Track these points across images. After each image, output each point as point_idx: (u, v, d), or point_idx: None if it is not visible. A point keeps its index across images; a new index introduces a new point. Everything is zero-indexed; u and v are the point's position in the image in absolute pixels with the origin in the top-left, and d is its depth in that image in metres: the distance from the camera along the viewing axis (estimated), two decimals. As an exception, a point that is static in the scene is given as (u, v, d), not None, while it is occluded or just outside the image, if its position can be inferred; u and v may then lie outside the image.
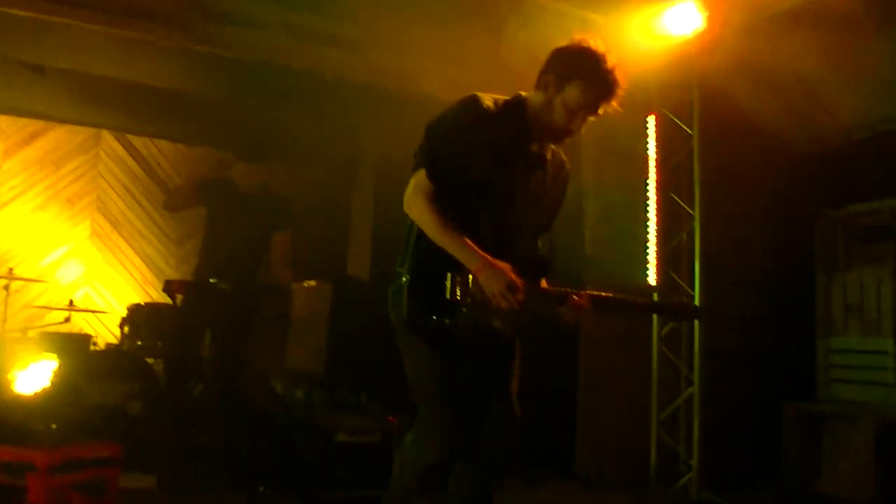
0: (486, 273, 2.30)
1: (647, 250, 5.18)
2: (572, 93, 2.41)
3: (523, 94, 2.55)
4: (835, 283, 5.46)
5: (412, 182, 2.41)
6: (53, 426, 3.48)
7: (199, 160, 7.05)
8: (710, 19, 4.64)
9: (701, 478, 4.95)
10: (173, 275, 6.73)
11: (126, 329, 5.47)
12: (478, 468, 2.54)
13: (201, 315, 4.61)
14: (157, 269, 6.91)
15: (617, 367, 5.61)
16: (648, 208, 5.23)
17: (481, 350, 2.48)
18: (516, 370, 2.63)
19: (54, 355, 4.73)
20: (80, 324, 6.40)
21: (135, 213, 6.86)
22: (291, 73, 4.87)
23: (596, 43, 2.44)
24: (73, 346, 5.25)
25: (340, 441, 4.22)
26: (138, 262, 6.82)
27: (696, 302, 5.10)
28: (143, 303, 5.72)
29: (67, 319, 5.85)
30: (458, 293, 2.34)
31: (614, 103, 2.46)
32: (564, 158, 2.69)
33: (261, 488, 4.11)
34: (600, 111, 2.46)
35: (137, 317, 5.49)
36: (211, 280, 4.45)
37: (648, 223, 5.20)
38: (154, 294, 6.61)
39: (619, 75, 2.42)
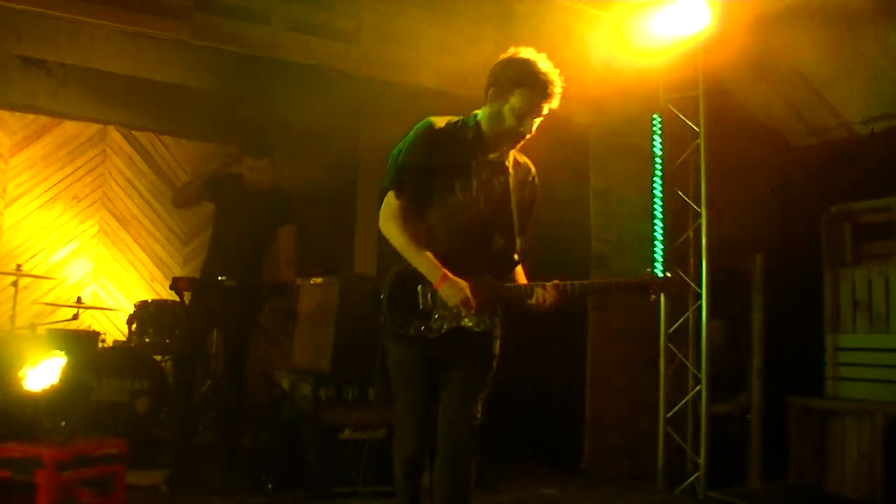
0: (443, 288, 2.64)
1: (655, 247, 5.17)
2: (516, 99, 2.64)
3: (476, 112, 2.78)
4: (842, 279, 5.44)
5: (384, 204, 2.73)
6: (62, 423, 3.49)
7: (204, 156, 7.08)
8: (717, 16, 4.62)
9: (708, 475, 4.95)
10: (180, 272, 6.75)
11: (134, 326, 5.49)
12: (442, 456, 2.77)
13: (208, 312, 4.62)
14: (164, 266, 6.91)
15: (624, 365, 5.61)
16: (655, 205, 5.22)
17: (456, 350, 2.74)
18: (485, 387, 2.82)
19: (62, 352, 4.74)
20: (89, 321, 6.42)
21: (141, 210, 6.87)
22: (294, 67, 4.87)
23: (528, 52, 2.69)
24: (82, 343, 5.26)
25: (346, 437, 4.23)
26: (145, 259, 6.83)
27: (703, 299, 5.10)
28: (150, 300, 5.73)
29: (75, 316, 5.86)
30: (430, 302, 2.70)
31: (555, 102, 2.71)
32: (530, 165, 2.91)
33: (269, 485, 4.13)
34: (544, 111, 2.70)
35: (145, 314, 5.51)
36: (221, 278, 4.46)
37: (655, 220, 5.19)
38: (161, 291, 6.62)
39: (553, 76, 2.67)
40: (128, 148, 6.90)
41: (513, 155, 2.84)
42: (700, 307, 5.15)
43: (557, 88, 2.67)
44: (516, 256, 2.83)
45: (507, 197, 2.77)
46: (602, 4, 4.97)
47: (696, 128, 5.26)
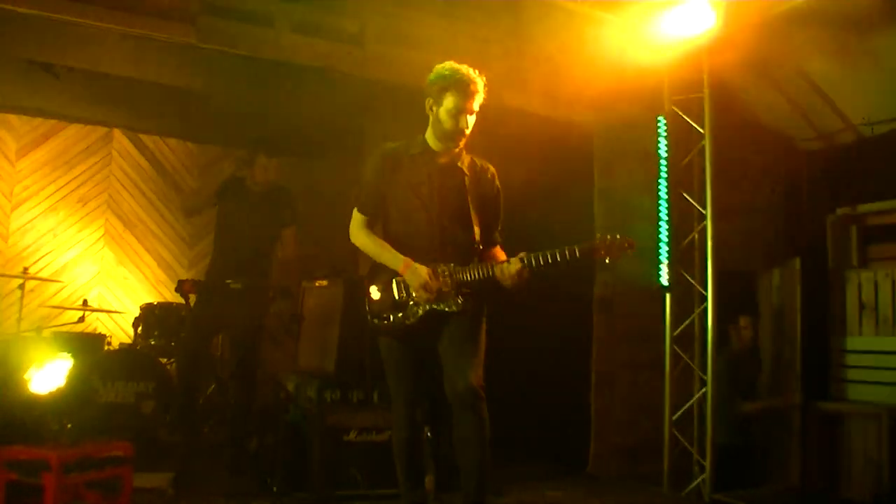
0: (407, 274, 3.10)
1: (660, 250, 5.16)
2: (449, 101, 3.09)
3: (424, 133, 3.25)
4: (848, 281, 5.42)
5: (351, 221, 3.28)
6: (68, 425, 3.50)
7: (210, 158, 7.10)
8: (721, 17, 4.61)
9: (714, 478, 4.93)
10: (186, 275, 6.77)
11: (139, 329, 5.50)
12: (454, 417, 3.09)
13: (214, 315, 4.63)
14: (169, 268, 6.94)
15: (629, 367, 5.60)
16: (660, 208, 5.21)
17: (437, 328, 3.13)
18: (477, 339, 3.15)
19: (69, 355, 4.76)
20: (94, 323, 6.44)
21: (147, 213, 6.89)
22: (298, 69, 4.88)
23: (449, 63, 3.14)
24: (88, 346, 5.29)
25: (351, 439, 4.23)
26: (151, 261, 6.86)
27: (708, 301, 5.09)
28: (155, 302, 5.75)
29: (81, 319, 5.88)
30: (405, 292, 3.14)
31: (480, 97, 3.11)
32: (488, 166, 3.32)
33: (274, 488, 4.13)
34: (475, 107, 3.11)
35: (150, 316, 5.53)
36: (228, 281, 4.48)
37: (660, 222, 5.18)
38: (167, 294, 6.64)
39: (474, 76, 3.09)
40: (133, 151, 6.93)
41: (469, 158, 3.25)
42: (706, 309, 5.13)
43: (479, 86, 3.08)
44: (479, 246, 3.20)
45: (464, 195, 3.16)
46: (607, 7, 4.96)
47: (701, 130, 5.24)
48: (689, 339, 5.30)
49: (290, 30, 4.71)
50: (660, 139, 5.29)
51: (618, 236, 3.07)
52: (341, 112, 6.02)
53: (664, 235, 5.17)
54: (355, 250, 6.29)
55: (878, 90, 5.30)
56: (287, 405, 4.62)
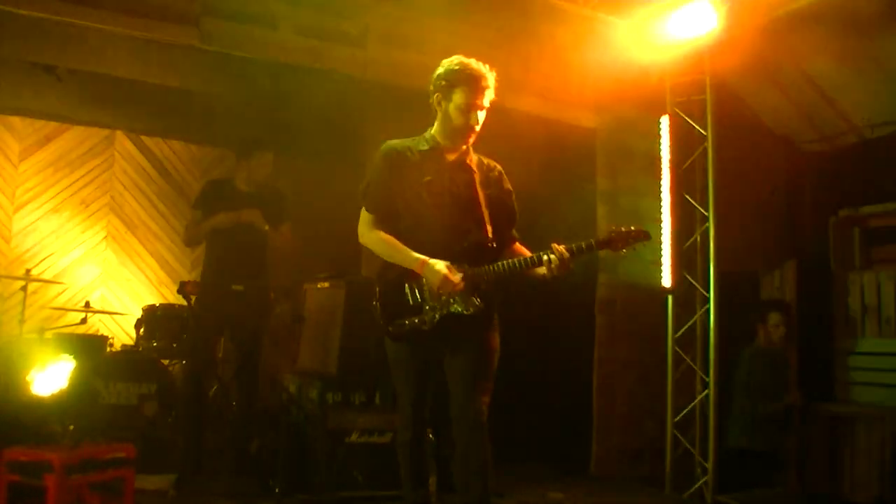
0: (425, 272, 2.92)
1: (662, 252, 5.16)
2: (458, 97, 2.98)
3: (429, 129, 3.14)
4: (851, 283, 5.42)
5: (360, 221, 3.12)
6: (70, 427, 3.50)
7: (212, 160, 7.11)
8: (724, 19, 4.61)
9: (716, 480, 4.93)
10: (188, 276, 6.76)
11: (141, 330, 5.50)
12: (456, 433, 3.01)
13: (216, 317, 4.63)
14: (171, 270, 6.94)
15: (631, 368, 5.60)
16: (662, 209, 5.21)
17: (451, 340, 2.98)
18: (488, 377, 3.02)
19: (71, 356, 4.76)
20: (97, 325, 6.44)
21: (149, 215, 6.89)
22: (301, 71, 4.89)
23: (458, 58, 3.03)
24: (90, 348, 5.28)
25: (353, 441, 4.23)
26: (153, 263, 6.85)
27: (710, 303, 5.08)
28: (158, 304, 5.75)
29: (84, 321, 5.88)
30: (419, 296, 2.98)
31: (491, 93, 3.00)
32: (495, 164, 3.22)
33: (276, 489, 4.12)
34: (485, 103, 3.01)
35: (153, 318, 5.52)
36: (234, 286, 4.49)
37: (662, 224, 5.17)
38: (169, 295, 6.64)
39: (485, 71, 2.98)
40: (136, 153, 6.93)
41: (476, 157, 3.14)
42: (708, 311, 5.13)
43: (490, 81, 2.97)
44: (492, 245, 3.07)
45: (475, 193, 3.04)
46: (609, 9, 4.96)
47: (703, 131, 5.25)
48: (691, 341, 5.29)
49: (292, 32, 4.72)
50: (662, 141, 5.30)
51: (632, 227, 2.94)
52: (343, 114, 6.01)
53: (666, 237, 5.17)
54: (357, 251, 6.30)
55: (880, 92, 5.30)
56: (289, 407, 4.61)
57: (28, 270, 5.81)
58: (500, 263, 2.97)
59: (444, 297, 2.92)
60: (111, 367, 5.03)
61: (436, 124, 3.10)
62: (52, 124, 6.60)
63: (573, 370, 5.59)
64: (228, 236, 4.65)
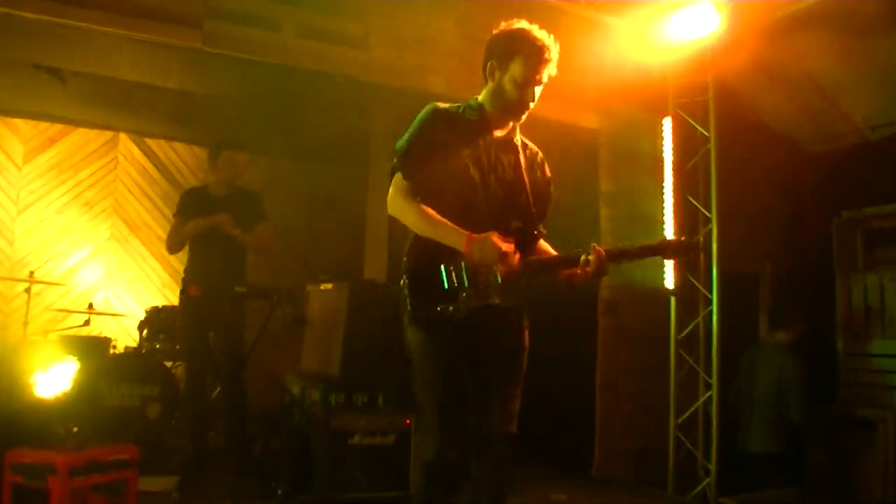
0: (474, 248, 2.47)
1: (664, 253, 5.14)
2: (516, 68, 2.63)
3: (476, 96, 2.78)
4: (854, 284, 5.41)
5: (391, 187, 2.65)
6: (74, 429, 3.51)
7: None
8: (726, 21, 4.61)
9: (719, 481, 4.92)
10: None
11: (145, 332, 5.51)
12: (476, 476, 2.64)
13: (203, 318, 4.68)
14: (175, 272, 6.93)
15: (634, 370, 5.59)
16: (665, 211, 5.21)
17: (487, 340, 2.62)
18: (519, 382, 2.73)
19: (74, 358, 4.77)
20: (100, 327, 6.45)
21: (153, 217, 6.90)
22: (304, 73, 4.90)
23: (521, 23, 2.69)
24: (93, 349, 5.28)
25: (356, 443, 4.23)
26: (156, 265, 6.86)
27: (714, 304, 5.08)
28: (161, 306, 5.75)
29: (87, 322, 5.89)
30: (455, 280, 2.54)
31: (553, 67, 2.66)
32: (536, 149, 2.87)
33: (279, 491, 4.13)
34: (544, 77, 2.66)
35: (156, 320, 5.53)
36: (237, 288, 4.54)
37: (665, 226, 5.17)
38: (172, 297, 6.64)
39: (549, 42, 2.64)
40: (139, 155, 6.94)
41: (521, 137, 2.81)
42: (711, 312, 5.12)
43: (554, 53, 2.65)
44: (536, 231, 2.77)
45: (520, 175, 2.72)
46: (612, 11, 4.96)
47: (706, 133, 5.24)
48: (694, 342, 5.29)
49: (295, 34, 4.72)
50: (665, 142, 5.30)
51: (682, 238, 2.63)
52: (346, 115, 6.03)
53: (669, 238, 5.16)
54: (360, 252, 6.33)
55: (882, 93, 5.29)
56: (291, 408, 4.62)
57: (32, 272, 5.82)
58: (541, 257, 2.70)
59: (482, 286, 2.53)
60: (114, 369, 5.05)
61: (484, 93, 2.74)
62: (56, 126, 6.61)
63: (576, 371, 5.59)
64: (204, 242, 4.72)
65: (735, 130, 5.47)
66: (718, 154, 5.18)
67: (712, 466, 4.96)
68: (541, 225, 2.82)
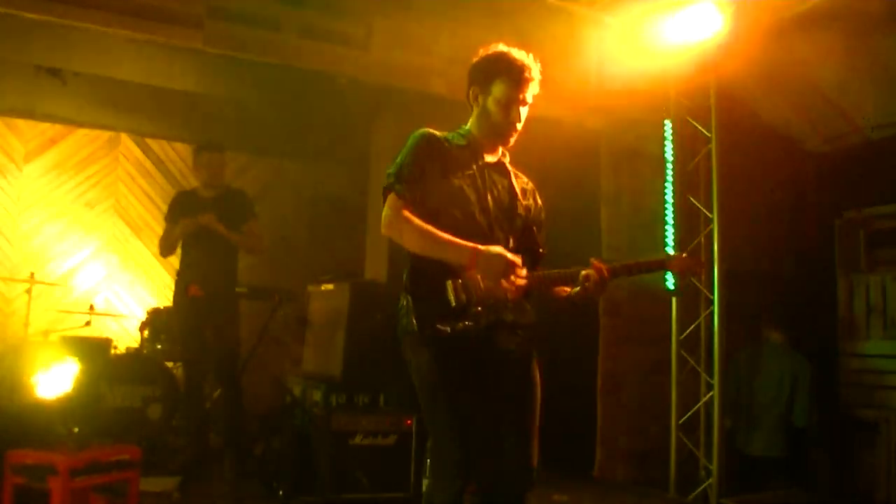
0: (481, 261, 2.38)
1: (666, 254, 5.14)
2: (498, 89, 2.61)
3: (463, 125, 2.74)
4: (856, 285, 5.41)
5: (385, 208, 2.54)
6: (75, 429, 3.51)
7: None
8: (729, 22, 4.61)
9: (721, 483, 4.92)
10: (192, 278, 6.77)
11: (146, 333, 5.51)
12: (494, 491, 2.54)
13: (196, 318, 4.69)
14: (175, 272, 6.95)
15: (636, 371, 5.59)
16: (667, 211, 5.20)
17: (497, 360, 2.50)
18: (536, 403, 2.62)
19: (75, 359, 4.78)
20: (101, 328, 6.45)
21: (153, 217, 6.90)
22: (305, 74, 4.90)
23: (498, 46, 2.67)
24: (94, 350, 5.29)
25: (357, 443, 4.23)
26: (157, 266, 6.86)
27: (715, 305, 5.08)
28: (162, 307, 5.76)
29: (88, 323, 5.90)
30: (464, 297, 2.40)
31: (536, 86, 2.64)
32: (527, 179, 2.81)
33: (280, 492, 4.13)
34: (528, 98, 2.64)
35: (157, 320, 5.53)
36: (239, 289, 4.55)
37: (667, 226, 5.17)
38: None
39: (529, 62, 2.62)
40: (140, 155, 6.95)
41: (511, 167, 2.77)
42: (712, 313, 5.12)
43: (535, 73, 2.62)
44: (541, 249, 2.71)
45: (514, 196, 2.68)
46: (615, 11, 4.96)
47: (707, 133, 5.24)
48: (695, 343, 5.28)
49: (296, 34, 4.72)
50: (666, 143, 5.29)
51: (684, 255, 2.61)
52: (347, 116, 6.03)
53: (671, 239, 5.16)
54: (361, 253, 6.33)
55: (884, 94, 5.29)
56: (293, 409, 4.62)
57: (33, 273, 5.82)
58: (544, 273, 2.59)
59: (492, 301, 2.42)
60: (115, 370, 5.05)
61: (471, 120, 2.72)
62: (57, 127, 6.62)
63: (577, 372, 5.58)
64: (195, 243, 4.73)
65: (737, 131, 5.46)
66: (720, 154, 5.18)
67: (714, 467, 4.95)
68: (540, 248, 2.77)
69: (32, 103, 6.26)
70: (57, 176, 6.62)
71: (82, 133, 6.72)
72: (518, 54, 2.62)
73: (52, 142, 6.63)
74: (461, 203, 2.55)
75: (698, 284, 5.24)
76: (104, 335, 6.18)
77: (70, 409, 4.27)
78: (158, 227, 6.91)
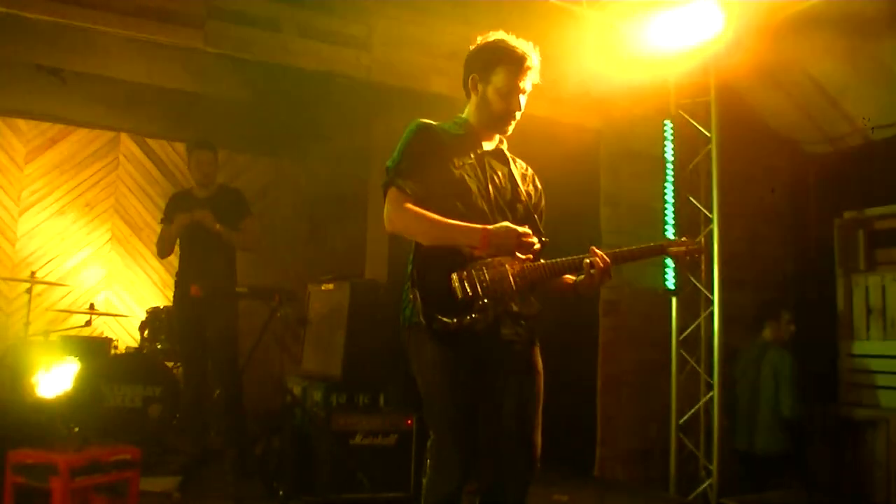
0: (492, 238, 2.39)
1: (666, 253, 5.14)
2: (498, 78, 2.59)
3: (459, 114, 2.73)
4: (856, 285, 5.41)
5: (386, 204, 2.52)
6: (75, 429, 3.51)
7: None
8: (729, 22, 4.61)
9: (721, 482, 4.92)
10: (192, 279, 6.77)
11: (146, 332, 5.52)
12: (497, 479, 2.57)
13: (195, 318, 4.70)
14: (175, 272, 6.95)
15: (636, 371, 5.59)
16: (666, 212, 5.20)
17: (502, 351, 2.49)
18: (539, 392, 2.59)
19: (76, 358, 4.78)
20: (101, 327, 6.46)
21: (154, 217, 6.90)
22: (305, 74, 4.91)
23: (498, 34, 2.65)
24: (94, 350, 5.30)
25: (357, 443, 4.24)
26: (157, 265, 6.87)
27: (715, 305, 5.08)
28: (162, 306, 5.77)
29: (88, 323, 5.90)
30: (469, 288, 2.39)
31: (536, 75, 2.62)
32: (526, 165, 2.81)
33: (280, 492, 4.13)
34: (528, 86, 2.63)
35: (157, 320, 5.54)
36: (239, 289, 4.57)
37: (666, 227, 5.17)
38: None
39: (529, 50, 2.60)
40: (140, 155, 6.95)
41: (509, 153, 2.76)
42: (712, 313, 5.12)
43: (535, 61, 2.61)
44: (543, 238, 2.64)
45: (515, 184, 2.67)
46: (614, 12, 4.96)
47: (707, 133, 5.24)
48: (695, 343, 5.29)
49: (297, 34, 4.72)
50: (666, 143, 5.29)
51: (683, 238, 2.61)
52: (348, 116, 6.03)
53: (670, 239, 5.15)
54: (361, 252, 6.33)
55: (884, 94, 5.29)
56: (293, 409, 4.62)
57: (33, 273, 5.83)
58: (548, 262, 2.54)
59: (498, 293, 2.40)
60: (116, 370, 5.05)
61: (468, 109, 2.70)
62: (58, 126, 6.63)
63: (577, 372, 5.58)
64: (193, 243, 4.76)
65: (737, 131, 5.46)
66: (720, 155, 5.18)
67: (714, 467, 4.96)
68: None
69: (33, 103, 6.26)
70: (57, 176, 6.63)
71: (83, 133, 6.73)
72: (518, 42, 2.61)
73: (53, 142, 6.64)
74: (462, 193, 2.53)
75: (698, 285, 5.24)
76: (104, 335, 6.20)
77: (70, 408, 4.28)
78: (158, 227, 6.92)
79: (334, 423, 4.23)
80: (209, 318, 4.70)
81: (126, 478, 3.56)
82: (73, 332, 5.79)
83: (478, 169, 2.59)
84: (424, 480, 2.54)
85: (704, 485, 4.98)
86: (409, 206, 2.46)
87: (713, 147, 5.20)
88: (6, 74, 5.68)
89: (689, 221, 5.27)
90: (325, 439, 4.19)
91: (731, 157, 5.28)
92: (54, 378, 4.44)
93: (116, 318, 6.48)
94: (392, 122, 5.77)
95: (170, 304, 6.22)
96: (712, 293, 5.12)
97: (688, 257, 2.62)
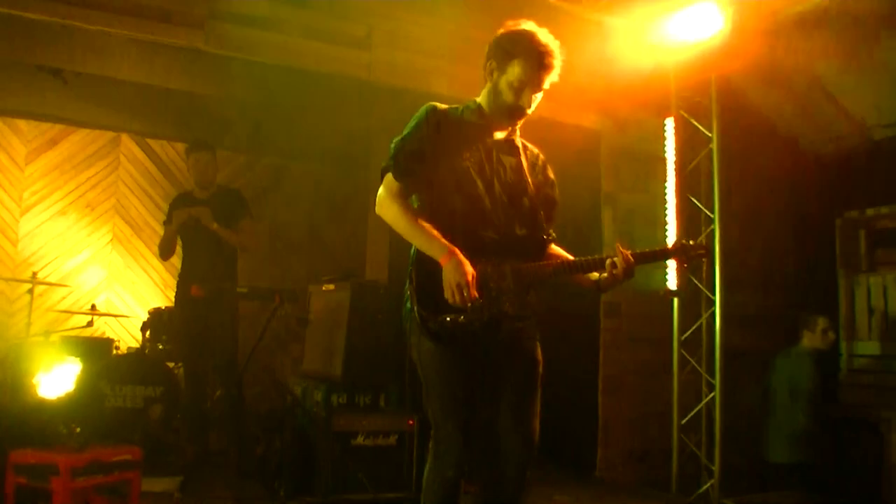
0: (447, 265, 2.37)
1: (667, 254, 5.14)
2: (514, 71, 2.51)
3: (476, 98, 2.68)
4: (857, 285, 5.40)
5: (382, 186, 2.54)
6: (76, 429, 3.51)
7: (216, 163, 7.12)
8: (730, 21, 4.61)
9: (722, 483, 4.92)
10: (193, 279, 6.78)
11: (147, 333, 5.51)
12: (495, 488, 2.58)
13: (196, 318, 4.70)
14: (177, 272, 6.94)
15: (637, 371, 5.59)
16: (667, 211, 5.20)
17: (500, 349, 2.52)
18: (537, 384, 2.62)
19: (77, 359, 4.79)
20: (103, 328, 6.46)
21: (155, 218, 6.90)
22: (306, 74, 4.92)
23: (527, 24, 2.57)
24: (96, 350, 5.30)
25: (358, 443, 4.24)
26: (159, 266, 6.86)
27: (716, 305, 5.07)
28: (163, 307, 5.76)
29: (90, 323, 5.90)
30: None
31: (555, 74, 2.55)
32: (538, 151, 2.77)
33: (281, 492, 4.13)
34: (544, 84, 2.55)
35: (158, 321, 5.53)
36: (240, 289, 4.59)
37: (668, 226, 5.17)
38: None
39: (553, 47, 2.53)
40: (141, 156, 6.95)
41: (521, 140, 2.72)
42: (713, 314, 5.12)
43: (557, 60, 2.52)
44: (546, 236, 2.66)
45: (524, 178, 2.62)
46: (614, 11, 4.96)
47: (708, 133, 5.24)
48: (696, 344, 5.28)
49: (297, 34, 4.73)
50: (667, 143, 5.29)
51: (690, 241, 2.61)
52: (348, 116, 6.03)
53: (671, 239, 5.16)
54: (362, 253, 6.33)
55: (886, 93, 5.29)
56: (294, 409, 4.62)
57: (34, 273, 5.83)
58: (556, 262, 2.58)
59: (493, 293, 2.44)
60: (117, 370, 5.04)
61: (483, 93, 2.64)
62: (58, 127, 6.62)
63: (579, 373, 5.58)
64: (195, 244, 4.78)
65: (738, 131, 5.46)
66: (721, 154, 5.17)
67: (715, 468, 4.95)
68: (550, 229, 2.71)
69: (33, 103, 6.26)
70: (58, 176, 6.62)
71: (83, 133, 6.72)
72: (544, 38, 2.53)
73: (54, 142, 6.63)
74: (466, 187, 2.51)
75: (699, 285, 5.24)
76: (106, 335, 6.20)
77: (72, 409, 4.28)
78: (160, 228, 6.91)
79: (335, 423, 4.23)
80: (210, 319, 4.71)
81: (127, 478, 3.56)
82: (74, 333, 5.79)
83: (485, 163, 2.56)
84: (426, 469, 2.55)
85: (706, 485, 4.98)
86: (398, 195, 2.50)
87: (714, 147, 5.19)
88: (6, 74, 5.68)
89: (690, 221, 5.26)
90: (326, 440, 4.19)
91: (731, 157, 5.27)
92: (56, 378, 4.45)
93: (118, 318, 6.48)
94: (391, 122, 5.78)
95: (171, 304, 6.23)
96: (714, 293, 5.11)
97: (694, 259, 2.64)
